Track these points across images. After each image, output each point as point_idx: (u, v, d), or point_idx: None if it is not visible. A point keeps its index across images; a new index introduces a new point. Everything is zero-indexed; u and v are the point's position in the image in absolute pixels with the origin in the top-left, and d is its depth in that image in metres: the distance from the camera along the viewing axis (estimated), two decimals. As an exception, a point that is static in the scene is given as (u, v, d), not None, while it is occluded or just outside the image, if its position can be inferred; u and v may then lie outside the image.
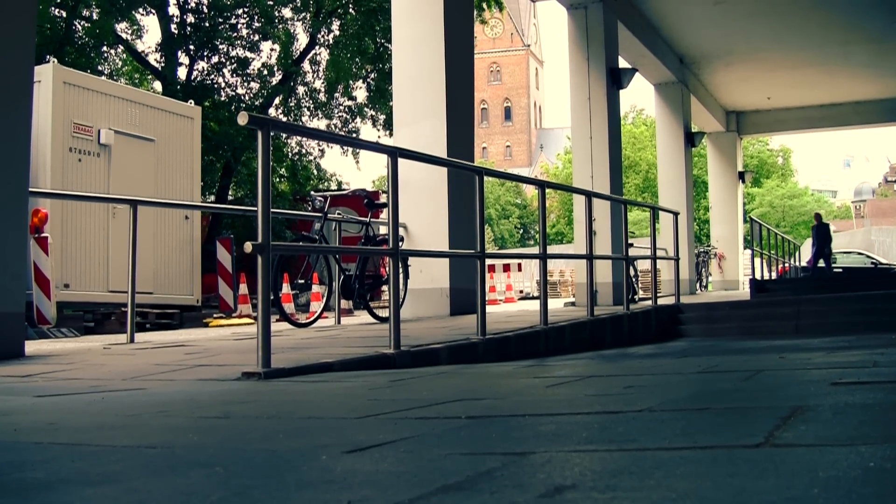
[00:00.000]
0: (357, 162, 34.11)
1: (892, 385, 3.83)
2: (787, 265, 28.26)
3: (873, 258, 38.05)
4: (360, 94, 31.29)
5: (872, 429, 2.62)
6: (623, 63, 18.75)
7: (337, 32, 30.46)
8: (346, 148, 31.52)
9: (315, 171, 32.28)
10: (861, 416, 2.87)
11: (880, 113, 30.34)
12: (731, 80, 27.37)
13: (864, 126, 33.71)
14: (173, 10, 28.96)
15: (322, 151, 32.54)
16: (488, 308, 8.63)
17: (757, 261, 21.36)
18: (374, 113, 31.10)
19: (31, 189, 7.63)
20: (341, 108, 31.41)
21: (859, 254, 39.13)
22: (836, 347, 7.54)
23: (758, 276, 20.76)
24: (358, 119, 31.41)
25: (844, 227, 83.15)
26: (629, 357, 8.92)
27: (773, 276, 24.71)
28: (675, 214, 15.45)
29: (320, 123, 31.26)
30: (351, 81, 30.43)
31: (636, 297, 17.43)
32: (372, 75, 30.41)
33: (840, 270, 34.46)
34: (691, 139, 25.23)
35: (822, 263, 29.08)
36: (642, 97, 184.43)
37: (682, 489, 1.90)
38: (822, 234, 27.94)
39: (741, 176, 32.15)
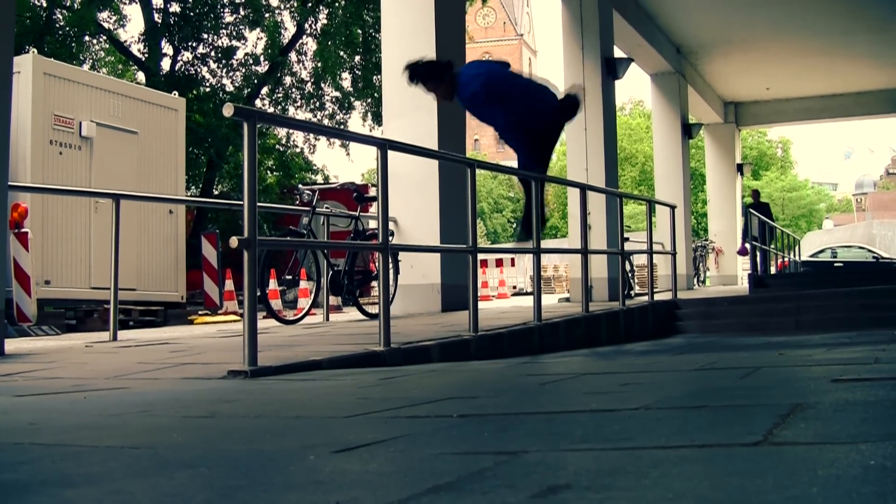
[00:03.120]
0: (347, 154, 34.09)
1: (893, 382, 3.83)
2: (786, 259, 28.30)
3: (875, 252, 38.19)
4: (349, 84, 31.27)
5: (873, 426, 2.62)
6: (618, 53, 18.74)
7: (325, 21, 30.41)
8: (332, 140, 31.48)
9: (303, 163, 32.25)
10: (862, 413, 2.88)
11: (882, 104, 30.36)
12: (730, 69, 27.38)
13: (865, 117, 33.73)
14: (157, -2, 28.94)
15: (313, 146, 32.51)
16: (481, 304, 8.64)
17: (756, 255, 21.39)
18: (362, 104, 31.07)
19: (10, 183, 7.61)
20: (329, 98, 31.38)
21: (860, 248, 39.27)
22: (837, 344, 7.55)
23: (757, 271, 20.78)
24: (346, 110, 31.39)
25: (845, 220, 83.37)
26: (625, 354, 8.94)
27: (773, 270, 24.74)
28: (672, 208, 15.47)
29: (308, 115, 31.23)
30: (339, 72, 30.38)
31: (632, 292, 17.44)
32: (360, 66, 30.36)
33: (841, 265, 34.56)
34: (689, 131, 25.24)
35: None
36: (639, 88, 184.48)
37: (679, 489, 1.90)
38: (764, 214, 23.65)
39: (740, 168, 32.18)
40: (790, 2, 20.90)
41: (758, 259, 21.28)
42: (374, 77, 28.57)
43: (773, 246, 24.28)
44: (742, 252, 22.13)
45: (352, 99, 31.12)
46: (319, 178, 32.40)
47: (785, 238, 28.07)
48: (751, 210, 20.88)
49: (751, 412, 3.08)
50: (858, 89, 29.53)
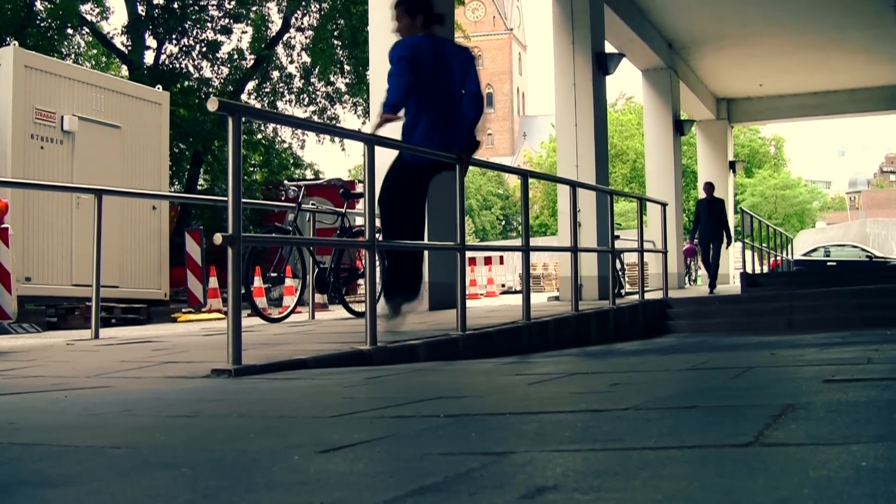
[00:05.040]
0: (343, 149, 33.90)
1: (886, 382, 3.85)
2: (779, 258, 28.37)
3: (868, 251, 38.29)
4: (340, 80, 31.21)
5: (865, 427, 2.63)
6: (610, 48, 18.74)
7: (314, 15, 30.39)
8: (322, 136, 31.46)
9: (291, 160, 32.20)
10: (854, 414, 2.89)
11: (877, 101, 30.43)
12: (723, 65, 27.41)
13: (859, 114, 33.84)
14: (141, -10, 28.86)
15: (302, 141, 32.45)
16: (469, 302, 8.64)
17: (748, 254, 21.43)
18: (354, 100, 31.00)
19: (-10, 178, 7.60)
20: (319, 94, 31.32)
21: (854, 247, 39.38)
22: (830, 344, 7.58)
23: (749, 270, 20.82)
24: (337, 106, 31.35)
25: (839, 219, 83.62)
26: (615, 354, 8.95)
27: (765, 269, 24.80)
28: (664, 205, 15.48)
29: (297, 110, 31.18)
30: (329, 67, 30.32)
31: (623, 291, 17.46)
32: (351, 60, 30.30)
33: (834, 264, 34.65)
34: (680, 127, 25.26)
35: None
36: (630, 83, 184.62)
37: (669, 490, 1.90)
38: (715, 212, 20.16)
39: (732, 166, 32.24)
40: (783, -3, 20.97)
41: (750, 258, 21.28)
42: (367, 72, 28.49)
43: (753, 244, 24.24)
44: (689, 252, 20.69)
45: (346, 96, 31.06)
46: (309, 174, 32.35)
47: (777, 237, 28.14)
48: (743, 209, 20.90)
49: (742, 413, 3.09)
50: (853, 86, 29.60)
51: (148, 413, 3.76)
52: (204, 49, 29.47)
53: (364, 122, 29.90)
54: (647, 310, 13.81)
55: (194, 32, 29.30)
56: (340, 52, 30.11)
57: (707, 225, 19.69)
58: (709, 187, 20.51)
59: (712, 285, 19.38)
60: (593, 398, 3.82)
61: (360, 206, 12.05)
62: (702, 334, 12.63)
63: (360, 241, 9.46)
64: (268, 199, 23.09)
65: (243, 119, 5.56)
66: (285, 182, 14.41)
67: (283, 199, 17.57)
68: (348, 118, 31.44)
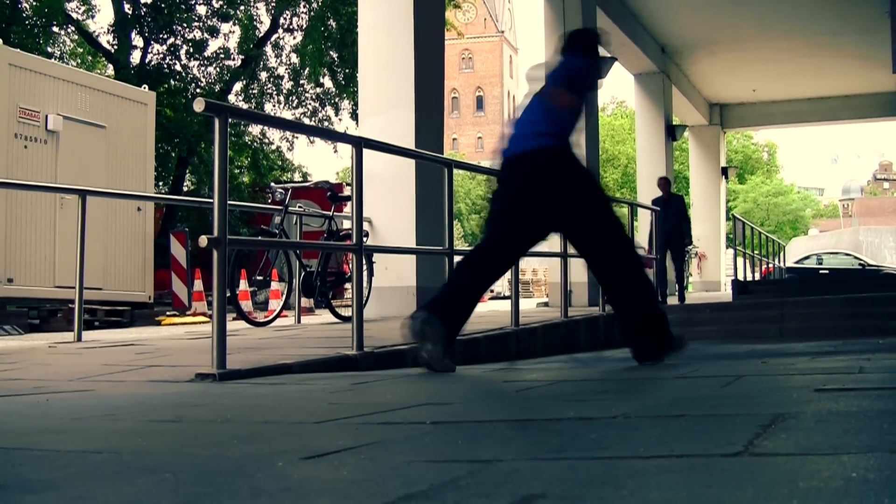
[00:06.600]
0: (335, 150, 33.67)
1: (878, 392, 3.86)
2: (771, 266, 28.40)
3: (861, 259, 38.33)
4: (329, 81, 31.13)
5: (856, 437, 2.64)
6: (601, 51, 18.76)
7: (303, 16, 30.36)
8: (311, 138, 31.45)
9: (279, 163, 32.15)
10: (845, 424, 2.89)
11: (870, 108, 30.52)
12: (716, 70, 27.46)
13: (853, 121, 33.94)
14: (127, -12, 28.80)
15: (291, 143, 32.40)
16: (457, 308, 8.61)
17: (739, 261, 21.45)
18: (350, 103, 30.94)
19: (-28, 177, 7.58)
20: (308, 95, 31.28)
21: (846, 255, 39.42)
22: (821, 352, 7.59)
23: (740, 277, 20.84)
24: (328, 108, 31.30)
25: (831, 226, 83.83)
26: (604, 361, 8.94)
27: (757, 277, 24.82)
28: (654, 212, 15.49)
29: (286, 112, 31.10)
30: (318, 69, 30.26)
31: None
32: (339, 62, 30.25)
33: (826, 272, 34.69)
34: (672, 132, 25.30)
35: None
36: (622, 88, 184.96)
37: (656, 499, 1.90)
38: (672, 211, 17.42)
39: (724, 171, 32.27)
40: (777, 1, 20.99)
41: (742, 266, 21.29)
42: (357, 73, 28.38)
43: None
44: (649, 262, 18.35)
45: (337, 99, 31.01)
46: (297, 176, 32.30)
47: (769, 244, 28.18)
48: (735, 215, 20.89)
49: (732, 422, 3.09)
50: (846, 92, 29.67)
51: (130, 417, 3.75)
52: (191, 49, 29.43)
53: (352, 126, 29.90)
54: (638, 317, 13.78)
55: (181, 32, 29.26)
56: (332, 54, 30.06)
57: (663, 225, 17.02)
58: (664, 183, 18.14)
59: (681, 297, 18.02)
60: (582, 406, 3.82)
61: (348, 209, 12.04)
62: (692, 342, 12.59)
63: (347, 244, 9.44)
64: (254, 202, 23.09)
65: (230, 120, 5.56)
66: (272, 184, 14.40)
67: (269, 201, 17.57)
68: (343, 117, 31.23)
